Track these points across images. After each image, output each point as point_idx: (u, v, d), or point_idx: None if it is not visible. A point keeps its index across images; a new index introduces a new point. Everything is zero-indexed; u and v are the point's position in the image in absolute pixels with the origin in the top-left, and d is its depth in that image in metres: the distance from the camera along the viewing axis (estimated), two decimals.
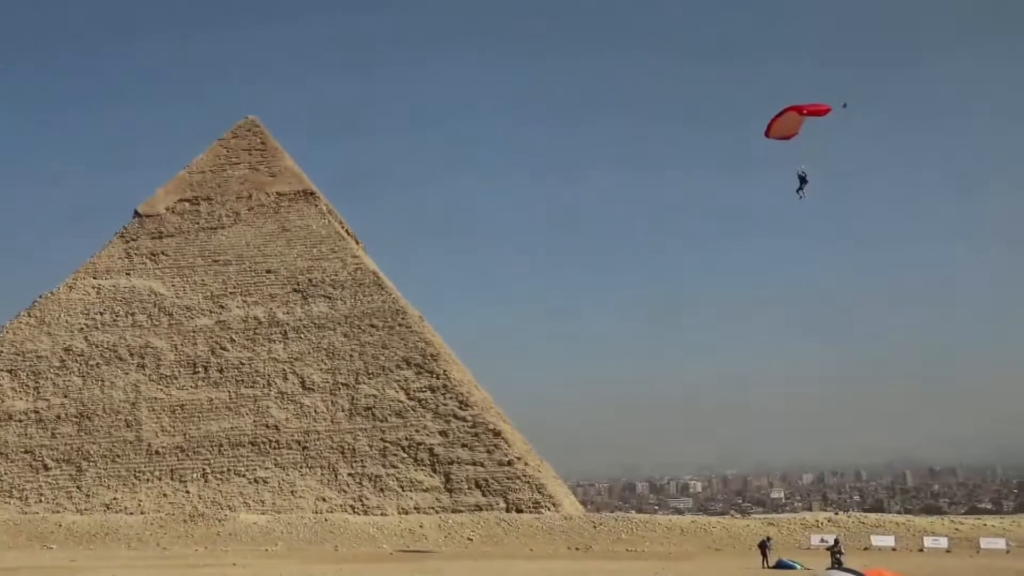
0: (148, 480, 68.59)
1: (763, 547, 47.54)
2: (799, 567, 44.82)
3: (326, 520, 61.66)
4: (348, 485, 66.87)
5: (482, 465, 66.88)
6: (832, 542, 44.79)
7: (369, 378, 72.17)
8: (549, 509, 64.34)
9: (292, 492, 66.72)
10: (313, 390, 71.91)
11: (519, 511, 64.23)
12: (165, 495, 67.53)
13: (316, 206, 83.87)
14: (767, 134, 39.60)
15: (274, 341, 74.92)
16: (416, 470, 67.17)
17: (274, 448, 69.18)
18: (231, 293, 78.22)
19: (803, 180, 39.08)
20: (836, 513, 71.87)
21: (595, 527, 59.82)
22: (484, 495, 65.59)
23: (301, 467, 68.10)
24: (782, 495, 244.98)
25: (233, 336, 75.36)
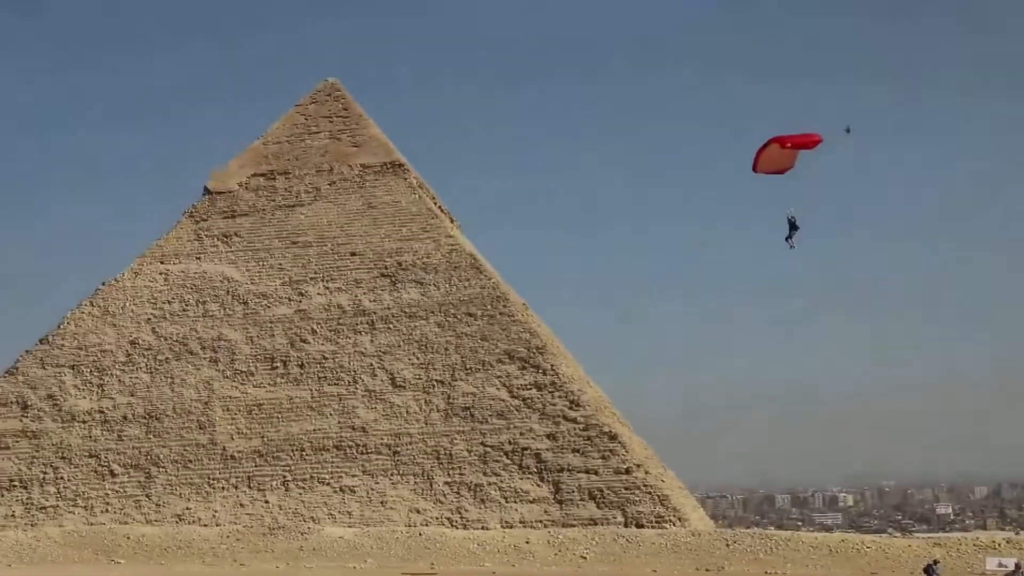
0: (223, 488, 69.98)
1: (929, 571, 45.86)
2: None
3: (420, 534, 61.94)
4: (445, 495, 67.05)
5: (596, 473, 66.28)
6: (1012, 567, 42.88)
7: (467, 374, 72.21)
8: (674, 524, 63.41)
9: (382, 502, 67.22)
10: (404, 388, 72.28)
11: (639, 526, 63.47)
12: (242, 505, 68.80)
13: (406, 180, 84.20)
14: (755, 169, 38.54)
15: (360, 332, 75.57)
16: (521, 478, 66.92)
17: (362, 453, 69.80)
18: (311, 279, 79.14)
19: (793, 226, 37.88)
20: (1017, 532, 69.09)
21: (728, 545, 58.71)
22: (599, 507, 65.01)
23: (392, 474, 68.55)
24: (950, 511, 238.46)
25: (314, 327, 76.26)
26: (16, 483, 72.30)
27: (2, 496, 71.85)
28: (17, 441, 74.18)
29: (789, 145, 38.44)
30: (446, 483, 67.54)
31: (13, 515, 70.68)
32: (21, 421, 75.04)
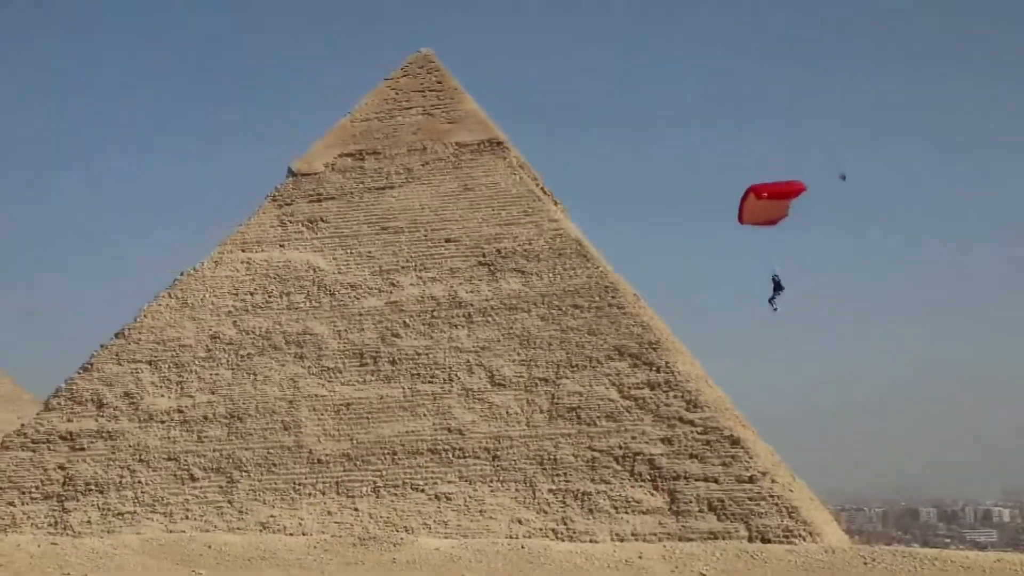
0: (310, 494, 70.97)
1: None
2: None
3: (523, 547, 61.99)
4: (549, 504, 67.01)
5: (717, 481, 65.61)
6: None
7: (573, 372, 72.07)
8: (805, 539, 62.44)
9: (481, 511, 67.50)
10: (505, 386, 72.46)
11: (765, 540, 62.64)
12: (330, 512, 69.67)
13: (505, 159, 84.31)
14: (740, 220, 37.70)
15: (456, 326, 75.99)
16: (633, 486, 66.55)
17: (458, 457, 70.21)
18: (404, 267, 79.82)
19: (777, 286, 36.90)
20: None
21: (866, 563, 57.68)
22: (720, 519, 64.33)
23: (491, 481, 68.79)
24: None
25: (407, 320, 76.90)
26: (92, 487, 74.36)
27: (78, 500, 73.95)
28: (93, 442, 76.32)
29: (766, 195, 38.09)
30: (550, 491, 67.50)
31: (89, 521, 72.65)
32: (97, 420, 77.18)
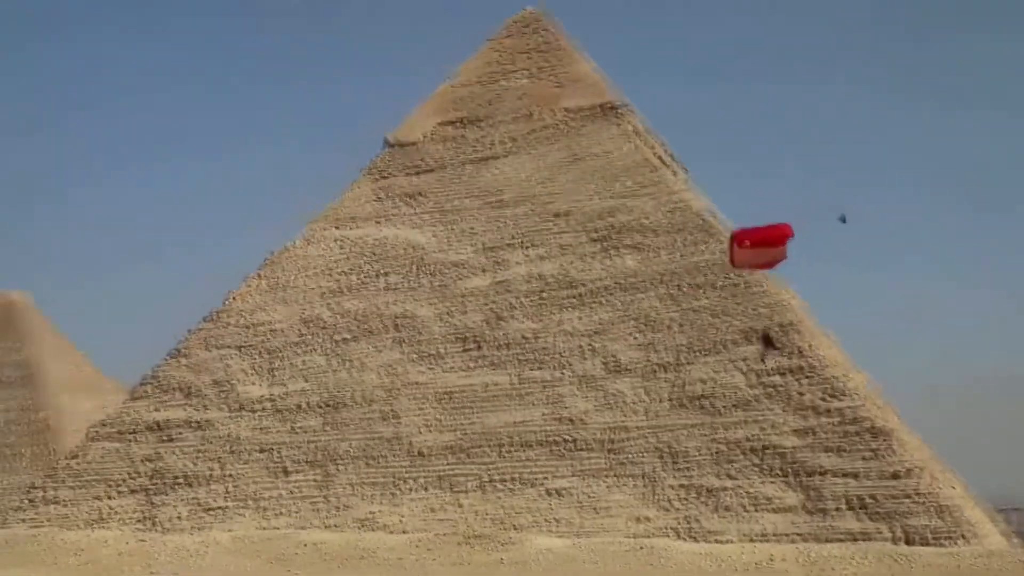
0: (412, 489, 71.13)
1: None
2: None
3: (644, 547, 61.49)
4: (673, 501, 66.23)
5: (858, 477, 64.11)
6: None
7: (698, 357, 71.17)
8: (960, 541, 60.71)
9: (598, 508, 66.97)
10: (622, 373, 71.78)
11: (913, 543, 61.06)
12: (433, 509, 69.78)
13: (620, 125, 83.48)
14: (732, 263, 37.91)
15: (568, 307, 75.48)
16: (766, 482, 65.40)
17: (573, 450, 69.72)
18: (510, 244, 79.55)
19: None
20: None
21: None
22: (862, 519, 62.87)
23: (609, 475, 68.20)
24: None
25: (515, 301, 76.63)
26: (181, 481, 75.50)
27: (167, 495, 75.16)
28: (181, 433, 77.50)
29: (748, 244, 38.06)
30: (673, 487, 66.67)
31: (179, 517, 73.81)
32: (185, 410, 78.34)
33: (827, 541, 61.99)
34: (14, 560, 64.04)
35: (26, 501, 79.36)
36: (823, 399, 67.16)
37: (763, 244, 38.26)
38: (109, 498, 76.18)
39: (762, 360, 40.71)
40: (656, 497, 66.66)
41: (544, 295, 76.35)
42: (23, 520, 76.86)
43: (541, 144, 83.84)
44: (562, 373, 72.71)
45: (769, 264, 39.14)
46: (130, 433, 78.58)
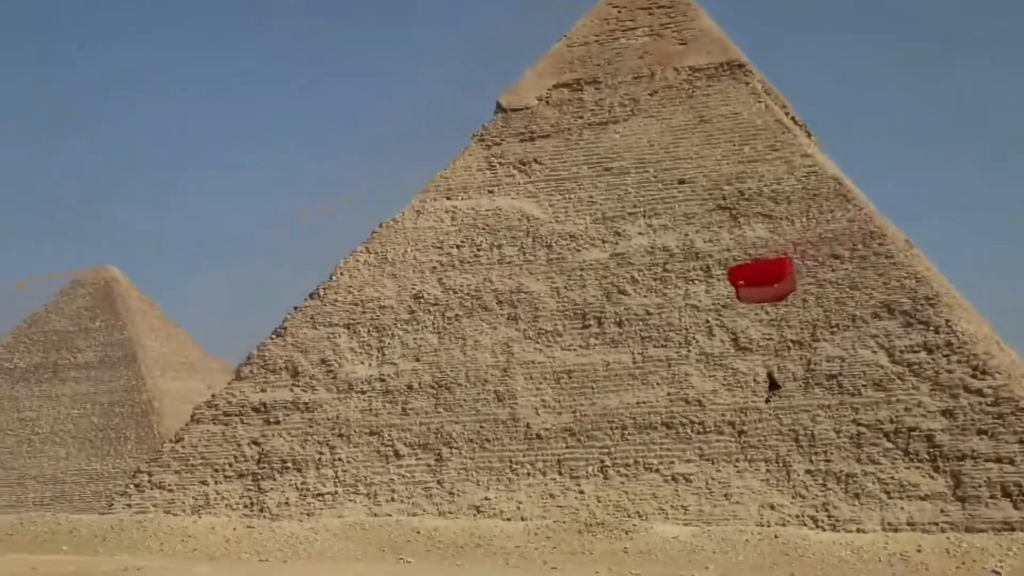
0: (528, 474, 71.56)
1: None
2: None
3: (776, 536, 61.07)
4: (807, 487, 65.70)
5: (1013, 462, 62.98)
6: None
7: (832, 333, 70.41)
8: None
9: (726, 495, 66.74)
10: (751, 350, 71.35)
11: None
12: (551, 495, 70.12)
13: (748, 84, 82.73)
14: (739, 297, 40.03)
15: (693, 281, 75.23)
16: (908, 467, 64.54)
17: (698, 432, 69.55)
18: (630, 214, 79.38)
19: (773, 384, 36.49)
20: None
21: None
22: (1017, 507, 61.78)
23: (737, 460, 67.89)
24: None
25: (635, 274, 76.52)
26: (289, 464, 76.85)
27: (274, 480, 76.56)
28: (288, 414, 78.83)
29: (742, 283, 39.48)
30: (808, 472, 66.14)
31: (287, 503, 75.13)
32: (292, 391, 79.67)
33: (977, 531, 61.01)
34: (121, 546, 65.83)
35: (131, 486, 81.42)
36: (971, 377, 66.09)
37: (758, 283, 39.50)
38: (215, 483, 77.78)
39: (767, 402, 41.40)
40: (788, 483, 66.18)
41: (667, 267, 76.09)
42: (128, 505, 78.83)
43: (663, 106, 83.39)
44: (686, 351, 72.48)
45: (776, 297, 40.25)
46: (235, 415, 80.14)
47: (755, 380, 70.02)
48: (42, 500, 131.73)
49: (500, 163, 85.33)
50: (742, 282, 39.65)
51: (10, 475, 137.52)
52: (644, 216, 78.83)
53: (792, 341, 70.82)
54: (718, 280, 74.34)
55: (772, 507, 65.52)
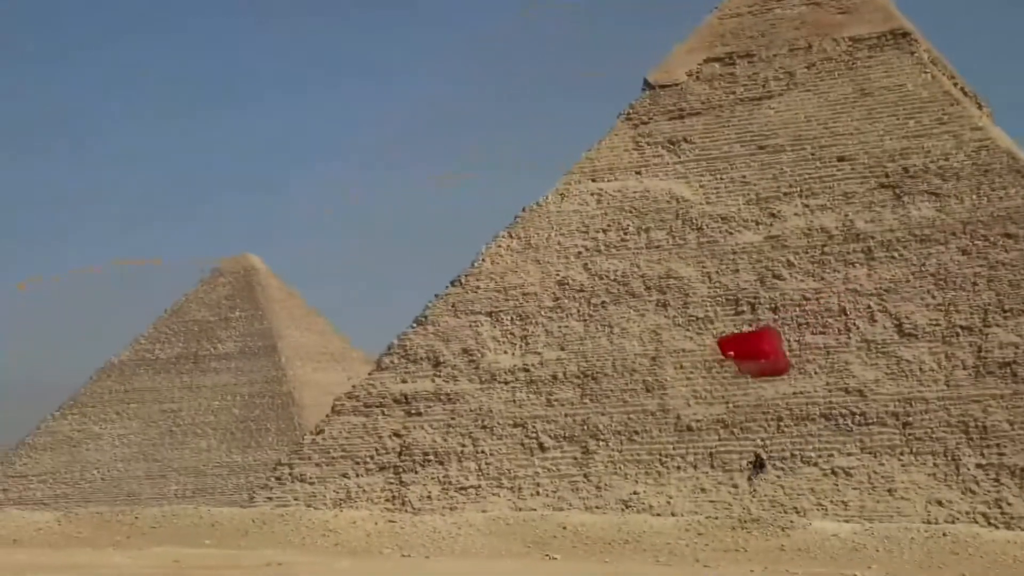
0: (679, 468, 71.48)
1: None
2: None
3: (944, 534, 60.04)
4: (978, 482, 64.61)
5: None
6: None
7: (1006, 318, 69.27)
8: None
9: (889, 490, 65.90)
10: (916, 337, 70.32)
11: None
12: (703, 489, 69.98)
13: (913, 54, 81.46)
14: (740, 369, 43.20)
15: (853, 264, 74.46)
16: None
17: (859, 424, 68.77)
18: (786, 194, 78.74)
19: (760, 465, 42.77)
20: None
21: None
22: None
23: (902, 453, 66.97)
24: None
25: (791, 258, 75.94)
26: (431, 457, 77.81)
27: (416, 473, 77.62)
28: (430, 406, 79.80)
29: (731, 354, 41.97)
30: (979, 466, 65.03)
31: (429, 496, 76.15)
32: (434, 381, 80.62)
33: None
34: (263, 540, 67.21)
35: (272, 479, 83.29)
36: None
37: (746, 357, 40.63)
38: (356, 476, 79.11)
39: (750, 480, 42.02)
40: (957, 477, 65.17)
41: (825, 250, 75.37)
42: (270, 499, 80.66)
43: (821, 79, 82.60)
44: (847, 338, 71.73)
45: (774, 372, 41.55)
46: (376, 407, 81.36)
47: (920, 369, 69.11)
48: (184, 492, 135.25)
49: (648, 142, 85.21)
50: (731, 353, 40.74)
51: (153, 467, 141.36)
52: (801, 196, 78.12)
53: (961, 327, 69.65)
54: (880, 263, 73.49)
55: (940, 503, 64.60)
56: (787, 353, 40.95)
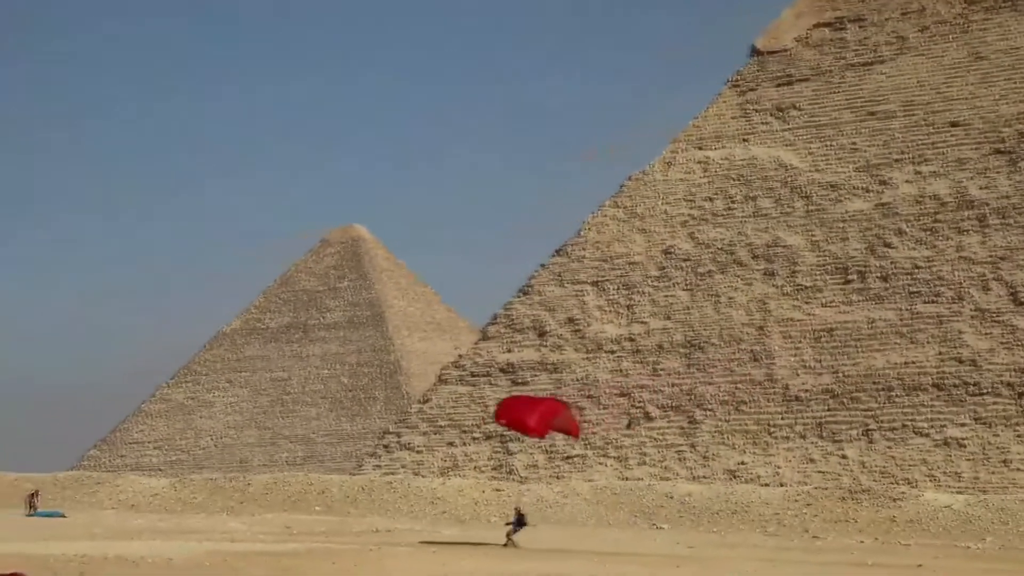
0: (787, 438, 71.03)
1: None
2: None
3: None
4: None
5: None
6: None
7: None
8: None
9: (1004, 461, 64.97)
10: None
11: None
12: (812, 460, 69.48)
13: None
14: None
15: (966, 231, 73.41)
16: None
17: (972, 394, 67.85)
18: (897, 161, 77.71)
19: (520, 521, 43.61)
20: None
21: None
22: None
23: (1016, 424, 66.02)
24: None
25: (902, 226, 74.98)
26: None
27: (522, 441, 77.66)
28: (536, 375, 79.97)
29: (504, 423, 44.30)
30: None
31: (535, 465, 76.39)
32: (539, 351, 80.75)
33: None
34: (371, 507, 67.72)
35: (380, 447, 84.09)
36: None
37: (516, 427, 44.93)
38: (463, 444, 79.57)
39: (508, 537, 42.82)
40: None
41: (937, 217, 74.31)
42: (377, 466, 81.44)
43: (934, 43, 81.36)
44: (959, 307, 70.71)
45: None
46: (482, 376, 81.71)
47: None
48: (294, 460, 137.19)
49: (755, 110, 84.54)
50: (504, 423, 45.03)
51: (264, 435, 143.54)
52: (912, 163, 77.05)
53: None
54: (995, 230, 72.33)
55: None
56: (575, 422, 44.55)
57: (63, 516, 61.69)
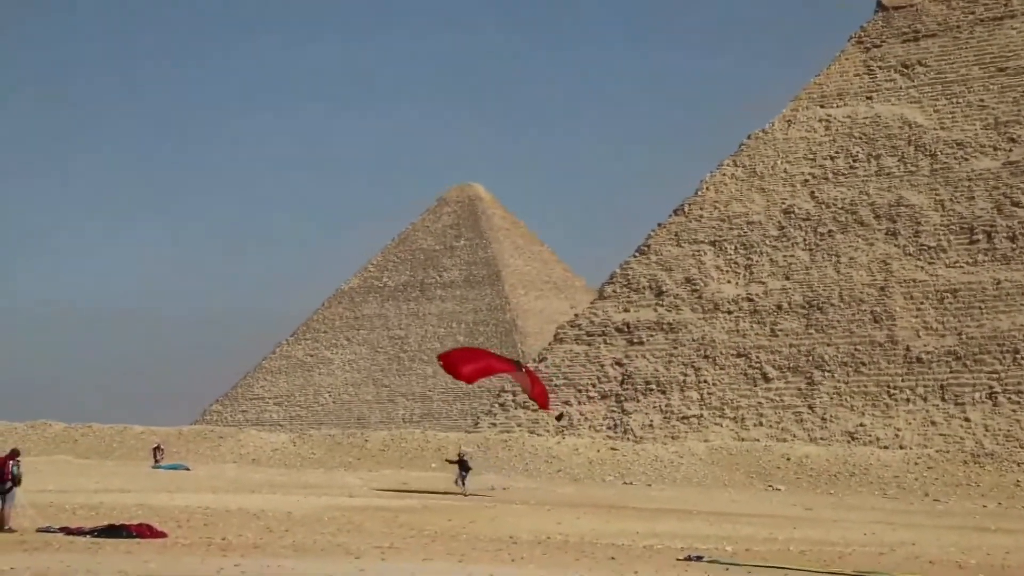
0: (908, 400, 70.25)
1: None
2: None
3: None
4: None
5: None
6: None
7: None
8: None
9: None
10: None
11: None
12: (933, 423, 68.67)
13: None
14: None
15: None
16: None
17: None
18: None
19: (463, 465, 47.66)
20: None
21: None
22: None
23: None
24: None
25: None
26: (653, 386, 77.93)
27: (638, 401, 77.82)
28: (652, 335, 79.84)
29: (441, 364, 49.52)
30: None
31: (651, 425, 76.38)
32: (656, 311, 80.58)
33: None
34: (487, 465, 68.16)
35: (496, 405, 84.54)
36: None
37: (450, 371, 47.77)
38: (579, 403, 79.74)
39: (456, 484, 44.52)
40: None
41: None
42: (494, 424, 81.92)
43: None
44: None
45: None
46: (598, 335, 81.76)
47: None
48: (411, 417, 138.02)
49: (880, 66, 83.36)
50: (442, 363, 47.26)
51: (381, 392, 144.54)
52: None
53: None
54: None
55: None
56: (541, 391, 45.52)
57: (187, 469, 62.98)
